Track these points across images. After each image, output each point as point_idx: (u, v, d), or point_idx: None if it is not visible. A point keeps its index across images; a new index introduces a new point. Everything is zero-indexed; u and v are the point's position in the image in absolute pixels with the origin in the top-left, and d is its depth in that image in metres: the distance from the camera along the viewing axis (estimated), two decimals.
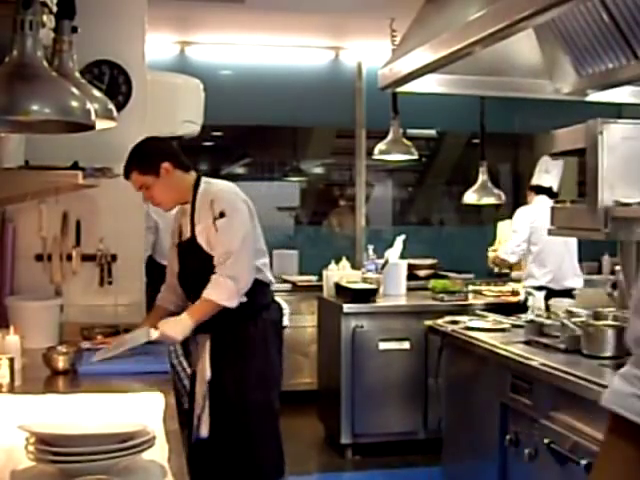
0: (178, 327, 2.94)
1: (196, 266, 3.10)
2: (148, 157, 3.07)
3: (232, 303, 2.97)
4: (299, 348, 5.99)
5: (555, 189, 4.92)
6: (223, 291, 2.96)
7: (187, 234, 3.12)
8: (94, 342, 3.11)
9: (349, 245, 6.82)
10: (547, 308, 3.61)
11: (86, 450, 1.56)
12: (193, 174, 3.15)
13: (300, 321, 5.93)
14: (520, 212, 5.29)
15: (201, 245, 3.05)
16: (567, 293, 4.84)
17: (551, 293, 4.93)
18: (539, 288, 5.03)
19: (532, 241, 5.13)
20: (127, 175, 3.08)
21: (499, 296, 5.38)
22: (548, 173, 4.97)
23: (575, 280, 5.11)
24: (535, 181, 5.16)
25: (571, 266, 5.11)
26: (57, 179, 2.81)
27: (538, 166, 5.10)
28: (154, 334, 2.88)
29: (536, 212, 5.00)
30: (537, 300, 4.82)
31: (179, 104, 4.46)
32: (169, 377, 2.68)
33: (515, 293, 5.35)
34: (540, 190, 5.09)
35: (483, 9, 2.92)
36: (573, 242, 4.98)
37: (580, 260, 5.61)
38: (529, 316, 3.52)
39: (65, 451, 1.57)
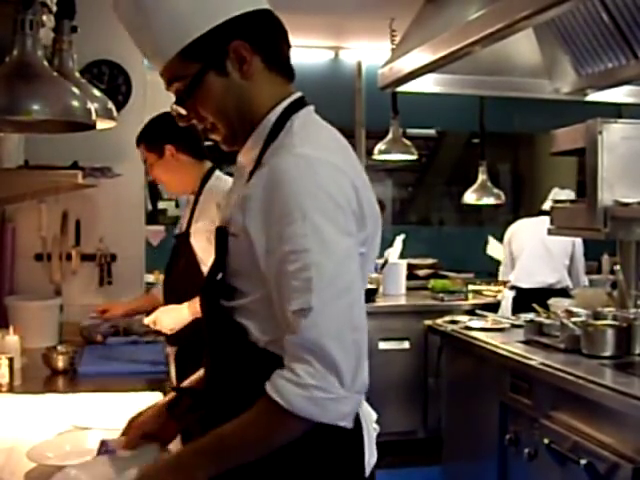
0: (174, 317, 2.73)
1: (181, 270, 2.87)
2: (155, 134, 2.88)
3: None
4: None
5: None
6: None
7: (183, 227, 2.92)
8: (100, 315, 3.15)
9: None
10: (538, 309, 3.60)
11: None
12: (207, 164, 2.91)
13: None
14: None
15: (193, 246, 2.82)
16: (542, 292, 4.78)
17: (521, 292, 4.99)
18: (512, 287, 5.12)
19: (512, 248, 5.31)
20: (137, 144, 2.92)
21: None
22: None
23: (551, 275, 5.06)
24: (542, 207, 5.32)
25: (548, 263, 5.10)
26: (57, 179, 2.80)
27: (550, 196, 5.31)
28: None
29: (517, 223, 5.40)
30: (506, 299, 5.05)
31: None
32: (168, 377, 2.67)
33: None
34: (542, 213, 5.23)
35: (483, 9, 2.92)
36: (558, 242, 4.93)
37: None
38: (529, 315, 3.52)
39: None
